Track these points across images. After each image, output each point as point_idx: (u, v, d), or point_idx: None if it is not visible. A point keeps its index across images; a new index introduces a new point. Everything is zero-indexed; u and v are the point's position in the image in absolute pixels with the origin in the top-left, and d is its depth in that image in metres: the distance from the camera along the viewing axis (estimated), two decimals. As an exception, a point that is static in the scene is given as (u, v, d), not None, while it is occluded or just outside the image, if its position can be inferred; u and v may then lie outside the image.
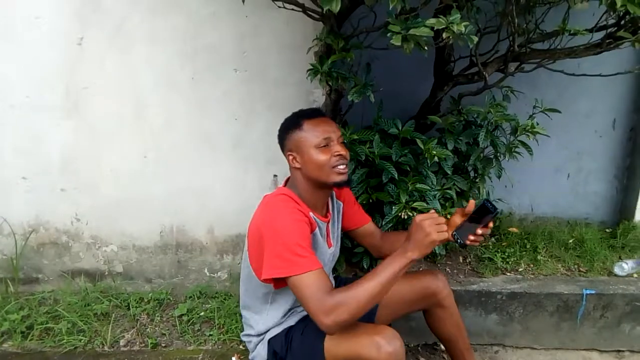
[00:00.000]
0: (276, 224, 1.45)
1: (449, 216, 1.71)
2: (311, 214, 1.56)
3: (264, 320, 1.64)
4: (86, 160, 2.11)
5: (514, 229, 2.64)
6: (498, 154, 2.24)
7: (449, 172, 2.12)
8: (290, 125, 1.56)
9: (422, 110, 2.39)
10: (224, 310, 2.14)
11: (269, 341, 1.62)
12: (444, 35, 1.34)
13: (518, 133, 2.16)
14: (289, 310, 1.64)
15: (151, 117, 2.10)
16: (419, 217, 1.40)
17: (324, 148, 1.51)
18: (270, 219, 1.47)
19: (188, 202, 2.23)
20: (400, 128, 2.09)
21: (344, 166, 1.53)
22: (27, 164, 2.10)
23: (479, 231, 1.47)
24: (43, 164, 2.10)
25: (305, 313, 1.63)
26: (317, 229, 1.56)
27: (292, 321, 1.63)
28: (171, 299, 2.26)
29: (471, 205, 1.51)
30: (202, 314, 2.15)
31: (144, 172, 2.15)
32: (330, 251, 1.66)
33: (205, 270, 2.32)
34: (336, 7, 1.24)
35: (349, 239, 2.05)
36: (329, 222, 1.67)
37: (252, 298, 1.66)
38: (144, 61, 2.04)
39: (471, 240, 1.50)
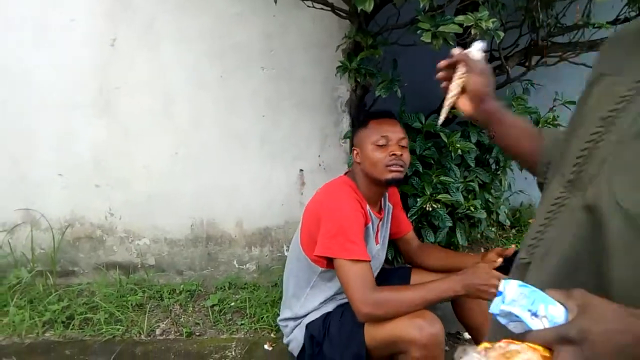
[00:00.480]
0: (335, 208, 1.55)
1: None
2: (368, 207, 1.64)
3: (302, 304, 1.72)
4: (118, 157, 2.18)
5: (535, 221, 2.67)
6: (520, 147, 2.28)
7: (472, 164, 2.16)
8: (359, 123, 1.69)
9: (442, 104, 2.43)
10: (254, 300, 2.21)
11: (307, 326, 1.69)
12: (473, 31, 1.39)
13: (540, 125, 2.20)
14: (329, 297, 1.71)
15: (181, 115, 2.17)
16: (490, 265, 1.51)
17: (382, 147, 1.60)
18: (330, 202, 1.58)
19: (217, 196, 2.30)
20: (423, 122, 2.14)
21: (397, 166, 1.60)
22: (63, 161, 2.19)
23: None
24: (78, 161, 2.18)
25: (343, 301, 1.70)
26: (370, 222, 1.64)
27: (330, 307, 1.70)
28: (202, 290, 2.34)
29: (511, 250, 1.58)
30: (232, 304, 2.23)
31: (174, 169, 2.22)
32: (376, 248, 1.73)
33: (234, 262, 2.39)
34: (369, 7, 1.30)
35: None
36: (381, 219, 1.75)
37: (295, 280, 1.74)
38: (174, 60, 2.11)
39: None
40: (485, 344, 0.68)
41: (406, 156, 1.64)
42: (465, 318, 1.90)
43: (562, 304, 0.66)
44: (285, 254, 2.39)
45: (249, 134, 2.22)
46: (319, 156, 2.26)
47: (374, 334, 1.52)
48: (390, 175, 1.61)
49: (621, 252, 0.65)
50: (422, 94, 2.27)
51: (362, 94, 2.01)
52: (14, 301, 2.11)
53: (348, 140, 2.21)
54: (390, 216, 1.83)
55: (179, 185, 2.24)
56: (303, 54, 2.11)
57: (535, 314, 0.66)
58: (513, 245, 1.62)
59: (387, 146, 1.60)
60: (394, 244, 1.97)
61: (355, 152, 1.67)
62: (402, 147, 1.63)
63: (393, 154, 1.59)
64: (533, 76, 2.30)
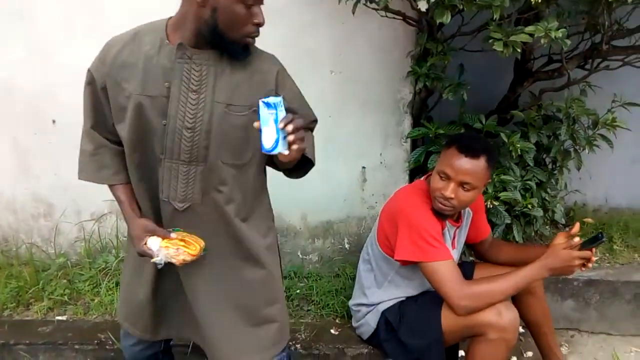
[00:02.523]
0: (412, 214, 1.67)
1: None
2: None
3: (379, 294, 1.86)
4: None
5: (589, 220, 2.72)
6: (578, 147, 2.34)
7: (530, 164, 2.24)
8: (446, 143, 1.74)
9: (500, 106, 2.52)
10: (318, 288, 2.37)
11: (383, 312, 1.83)
12: (542, 41, 1.49)
13: (598, 126, 2.26)
14: (407, 295, 1.85)
15: (255, 114, 2.34)
16: (564, 244, 1.61)
17: (442, 178, 1.65)
18: (408, 208, 1.69)
19: (285, 191, 2.42)
20: (483, 122, 2.24)
21: (443, 205, 1.66)
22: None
23: (593, 258, 1.63)
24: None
25: (416, 292, 1.83)
26: (445, 228, 1.75)
27: (404, 296, 1.84)
28: (269, 278, 2.51)
29: (576, 227, 1.68)
30: (298, 291, 2.39)
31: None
32: (452, 252, 1.83)
33: (298, 253, 2.55)
34: (447, 19, 1.42)
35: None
36: (458, 227, 1.85)
37: (372, 272, 1.88)
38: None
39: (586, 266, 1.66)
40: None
41: (462, 198, 1.63)
42: (525, 314, 2.00)
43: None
44: (346, 246, 2.54)
45: (315, 132, 2.35)
46: (380, 154, 2.39)
47: (452, 318, 1.65)
48: (436, 207, 1.69)
49: None
50: (481, 95, 2.37)
51: (426, 96, 2.13)
52: (104, 283, 2.34)
53: (409, 140, 2.33)
54: (469, 221, 1.93)
55: (250, 180, 2.41)
56: (369, 57, 2.24)
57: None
58: (577, 224, 1.70)
59: (448, 180, 1.64)
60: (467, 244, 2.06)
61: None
62: (464, 188, 1.63)
63: (442, 193, 1.64)
64: (591, 78, 2.35)
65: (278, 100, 1.14)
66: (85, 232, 2.52)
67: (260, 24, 1.25)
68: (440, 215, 1.73)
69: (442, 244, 1.66)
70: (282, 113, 1.15)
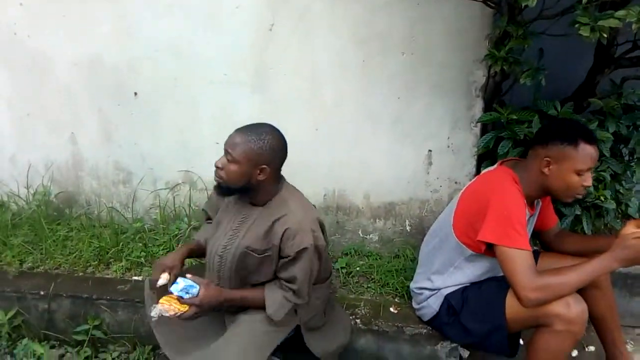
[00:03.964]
0: (507, 198, 1.66)
1: None
2: (525, 201, 1.73)
3: (444, 279, 1.88)
4: (268, 130, 2.44)
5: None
6: (659, 139, 2.24)
7: (606, 154, 2.17)
8: (566, 137, 1.66)
9: (577, 92, 2.43)
10: (378, 267, 2.41)
11: (446, 296, 1.85)
12: (634, 26, 1.43)
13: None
14: (471, 281, 1.87)
15: (324, 95, 2.38)
16: (634, 234, 1.57)
17: (581, 175, 1.66)
18: (502, 191, 1.68)
19: (349, 170, 2.50)
20: (559, 109, 2.17)
21: (579, 195, 1.70)
22: (220, 131, 2.45)
23: None
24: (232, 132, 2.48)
25: (480, 279, 1.85)
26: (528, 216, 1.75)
27: (468, 282, 1.85)
28: (330, 254, 2.57)
29: None
30: (358, 268, 2.45)
31: (314, 142, 2.45)
32: None
33: (359, 232, 2.60)
34: (533, 3, 1.39)
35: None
36: (532, 215, 1.85)
37: (439, 257, 1.90)
38: (322, 46, 2.30)
39: None
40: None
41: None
42: (590, 308, 1.94)
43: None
44: (407, 228, 2.56)
45: (384, 114, 2.39)
46: (448, 138, 2.37)
47: (517, 306, 1.65)
48: (571, 200, 1.71)
49: None
50: (557, 80, 2.29)
51: (500, 80, 2.09)
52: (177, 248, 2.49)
53: (479, 124, 2.30)
54: (538, 212, 1.92)
55: (317, 158, 2.46)
56: (443, 39, 2.21)
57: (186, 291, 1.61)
58: None
59: (585, 175, 1.65)
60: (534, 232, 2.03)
61: (546, 161, 1.69)
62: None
63: (586, 186, 1.66)
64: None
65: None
66: (160, 200, 2.68)
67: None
68: (529, 204, 1.74)
69: (526, 233, 1.65)
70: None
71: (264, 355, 1.68)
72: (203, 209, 2.04)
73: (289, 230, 1.64)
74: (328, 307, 1.92)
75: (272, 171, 1.69)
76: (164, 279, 1.70)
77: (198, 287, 1.62)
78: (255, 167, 1.64)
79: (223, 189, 1.69)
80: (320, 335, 1.84)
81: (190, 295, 1.61)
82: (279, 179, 1.77)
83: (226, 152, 1.65)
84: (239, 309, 1.76)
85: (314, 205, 1.85)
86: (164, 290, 1.66)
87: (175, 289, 1.61)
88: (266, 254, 1.69)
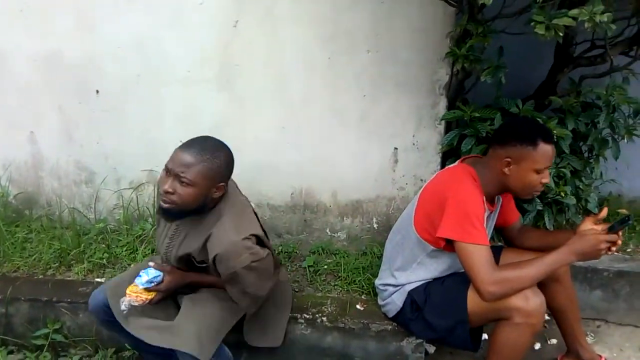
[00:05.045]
0: (464, 194, 1.68)
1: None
2: (484, 198, 1.75)
3: (406, 275, 1.89)
4: (234, 128, 2.40)
5: (624, 211, 2.68)
6: (616, 136, 2.30)
7: (566, 151, 2.22)
8: (525, 138, 1.67)
9: (538, 91, 2.49)
10: (346, 265, 2.41)
11: (409, 292, 1.87)
12: (586, 25, 1.47)
13: (640, 116, 2.21)
14: (435, 277, 1.88)
15: (291, 93, 2.37)
16: (591, 230, 1.63)
17: (539, 173, 1.68)
18: (460, 188, 1.70)
19: (316, 168, 2.50)
20: (520, 107, 2.22)
21: (537, 192, 1.74)
22: (185, 129, 2.43)
23: (619, 242, 1.64)
24: (197, 130, 2.41)
25: (443, 275, 1.86)
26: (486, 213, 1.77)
27: (431, 277, 1.87)
28: (298, 252, 2.57)
29: (604, 212, 1.68)
30: (325, 267, 2.44)
31: (281, 141, 2.43)
32: None
33: (327, 230, 2.60)
34: (489, 2, 1.41)
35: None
36: (492, 212, 1.87)
37: (401, 253, 1.91)
38: (288, 43, 2.30)
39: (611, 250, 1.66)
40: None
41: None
42: (551, 301, 1.99)
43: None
44: (375, 226, 2.57)
45: (350, 112, 2.39)
46: (413, 136, 2.39)
47: (478, 300, 1.67)
48: (530, 197, 1.75)
49: None
50: (519, 79, 2.34)
51: (463, 78, 2.12)
52: (140, 249, 2.44)
53: (443, 122, 2.32)
54: (499, 208, 1.95)
55: (284, 156, 2.45)
56: (407, 38, 2.23)
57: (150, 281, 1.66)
58: (605, 208, 1.70)
59: (543, 173, 1.68)
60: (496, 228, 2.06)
61: (506, 161, 1.70)
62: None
63: (544, 183, 1.70)
64: (635, 65, 2.29)
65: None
66: (123, 200, 2.63)
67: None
68: (489, 201, 1.77)
69: (484, 228, 1.68)
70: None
71: (221, 335, 1.72)
72: None
73: (218, 255, 1.58)
74: (276, 305, 1.97)
75: (226, 184, 1.65)
76: (124, 304, 1.67)
77: (162, 274, 1.68)
78: (213, 187, 1.58)
79: (173, 214, 1.59)
80: (257, 327, 1.90)
81: (155, 284, 1.67)
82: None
83: (176, 174, 1.53)
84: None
85: (254, 212, 1.79)
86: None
87: (139, 282, 1.65)
88: (205, 262, 1.69)
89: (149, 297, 1.66)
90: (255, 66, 2.34)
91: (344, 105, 2.37)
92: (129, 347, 2.16)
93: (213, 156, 1.56)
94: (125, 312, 1.65)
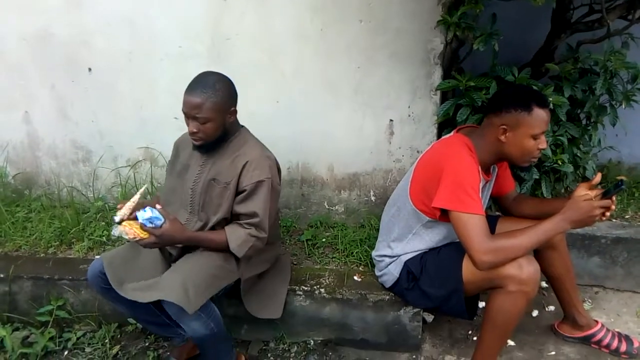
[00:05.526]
0: (460, 164, 1.68)
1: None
2: (479, 168, 1.74)
3: (402, 246, 1.90)
4: (227, 104, 2.40)
5: (623, 177, 2.65)
6: (614, 102, 2.27)
7: (563, 118, 2.20)
8: (519, 104, 1.66)
9: (535, 58, 2.45)
10: (343, 238, 2.43)
11: (406, 262, 1.88)
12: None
13: (638, 81, 2.18)
14: (430, 247, 1.89)
15: (283, 65, 2.35)
16: (584, 196, 1.62)
17: (536, 139, 1.67)
18: (455, 158, 1.69)
19: (312, 142, 2.49)
20: (516, 75, 2.19)
21: (535, 159, 1.72)
22: (178, 106, 2.44)
23: (613, 207, 1.64)
24: (191, 106, 2.44)
25: (438, 246, 1.87)
26: (481, 183, 1.76)
27: (426, 248, 1.88)
28: (296, 226, 2.59)
29: (598, 177, 1.66)
30: (324, 240, 2.46)
31: (275, 115, 2.42)
32: None
33: (325, 204, 2.61)
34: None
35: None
36: (487, 181, 1.87)
37: (397, 225, 1.92)
38: (279, 14, 2.26)
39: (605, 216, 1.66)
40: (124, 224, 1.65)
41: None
42: (547, 269, 2.01)
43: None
44: (372, 199, 2.57)
45: (344, 84, 2.37)
46: (408, 107, 2.37)
47: (472, 269, 1.68)
48: (527, 164, 1.73)
49: None
50: (515, 47, 2.31)
51: (457, 46, 2.09)
52: (139, 226, 2.46)
53: (439, 92, 2.30)
54: (494, 178, 1.94)
55: (279, 131, 2.42)
56: (399, 6, 2.18)
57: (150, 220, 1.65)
58: (599, 174, 1.68)
59: (539, 139, 1.67)
60: (492, 197, 2.05)
61: (502, 129, 1.69)
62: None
63: (541, 149, 1.68)
64: (633, 29, 2.24)
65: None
66: (121, 178, 2.64)
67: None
68: (485, 170, 1.77)
69: (479, 198, 1.67)
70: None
71: (209, 292, 1.74)
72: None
73: (248, 163, 1.77)
74: (275, 277, 2.03)
75: (236, 107, 1.82)
76: (116, 231, 1.70)
77: (163, 220, 1.68)
78: (226, 114, 1.77)
79: (206, 146, 1.79)
80: (256, 299, 1.96)
81: (153, 226, 1.67)
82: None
83: (193, 116, 1.72)
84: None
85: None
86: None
87: (141, 215, 1.66)
88: (227, 185, 1.80)
89: (142, 235, 1.65)
90: (247, 39, 2.32)
91: (338, 77, 2.34)
92: (132, 322, 2.21)
93: (215, 90, 1.71)
94: (114, 237, 1.78)
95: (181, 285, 1.66)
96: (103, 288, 1.83)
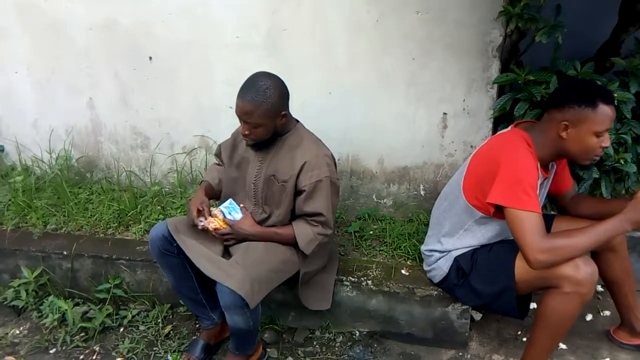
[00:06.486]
0: (518, 160, 1.63)
1: None
2: (538, 164, 1.69)
3: (453, 242, 1.88)
4: (281, 94, 2.43)
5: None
6: (684, 100, 2.15)
7: (628, 115, 2.10)
8: (583, 99, 1.61)
9: (600, 52, 2.35)
10: (391, 231, 2.42)
11: (456, 258, 1.86)
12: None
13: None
14: (482, 244, 1.86)
15: (338, 57, 2.35)
16: None
17: (599, 136, 1.61)
18: (514, 153, 1.65)
19: (363, 134, 2.49)
20: (579, 69, 2.10)
21: (597, 157, 1.67)
22: (234, 95, 2.49)
23: None
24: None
25: (489, 242, 1.84)
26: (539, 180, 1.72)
27: (478, 244, 1.85)
28: (344, 218, 2.60)
29: None
30: (371, 232, 2.46)
31: (328, 106, 2.43)
32: None
33: (373, 196, 2.60)
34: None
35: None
36: (546, 179, 1.82)
37: (449, 219, 1.89)
38: (335, 5, 2.26)
39: None
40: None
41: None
42: (604, 272, 1.94)
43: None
44: (422, 193, 2.55)
45: (398, 75, 2.35)
46: (463, 100, 2.33)
47: (526, 268, 1.64)
48: (588, 162, 1.67)
49: None
50: (577, 39, 2.21)
51: (517, 39, 2.03)
52: (193, 211, 2.54)
53: (496, 86, 2.24)
54: (553, 175, 1.88)
55: (331, 122, 2.44)
56: (459, -2, 2.15)
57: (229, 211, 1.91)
58: None
59: (602, 136, 1.61)
60: (549, 195, 2.00)
61: (564, 125, 1.64)
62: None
63: (604, 147, 1.62)
64: None
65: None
66: (177, 164, 2.73)
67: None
68: (544, 167, 1.72)
69: (537, 195, 1.62)
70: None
71: (270, 286, 1.81)
72: (218, 148, 2.16)
73: (306, 163, 1.81)
74: (326, 268, 2.08)
75: (287, 110, 1.87)
76: (200, 223, 1.88)
77: (241, 214, 1.89)
78: (276, 118, 1.81)
79: (258, 145, 1.88)
80: (309, 291, 2.02)
81: (230, 217, 1.88)
82: (289, 112, 1.91)
83: (244, 121, 1.78)
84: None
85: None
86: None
87: (224, 205, 1.90)
88: (285, 183, 1.85)
89: (221, 225, 1.86)
90: (303, 30, 2.34)
91: (392, 69, 2.33)
92: (183, 303, 2.28)
93: (265, 97, 1.74)
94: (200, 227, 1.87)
95: (248, 278, 1.70)
96: (161, 252, 1.90)
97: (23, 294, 2.34)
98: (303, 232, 1.84)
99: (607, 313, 2.28)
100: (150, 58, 2.55)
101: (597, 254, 1.92)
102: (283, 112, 1.81)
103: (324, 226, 1.84)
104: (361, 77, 2.37)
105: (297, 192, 1.85)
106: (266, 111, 1.75)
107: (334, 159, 1.93)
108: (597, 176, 2.20)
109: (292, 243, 1.86)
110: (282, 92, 1.81)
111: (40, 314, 2.33)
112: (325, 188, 1.81)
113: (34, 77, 2.73)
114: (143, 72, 2.58)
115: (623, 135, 2.14)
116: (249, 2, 2.33)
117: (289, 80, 2.28)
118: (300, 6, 2.29)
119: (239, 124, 1.85)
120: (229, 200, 1.91)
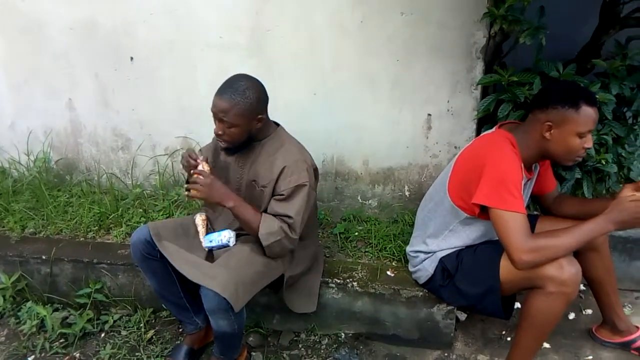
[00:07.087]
0: (502, 161, 1.64)
1: None
2: (522, 165, 1.70)
3: (438, 243, 1.88)
4: (265, 95, 2.41)
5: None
6: (664, 101, 2.19)
7: (608, 116, 2.13)
8: (567, 100, 1.62)
9: (581, 54, 2.38)
10: (377, 232, 2.41)
11: (441, 259, 1.86)
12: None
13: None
14: (467, 245, 1.86)
15: (322, 57, 2.34)
16: (631, 197, 1.56)
17: (582, 137, 1.62)
18: (498, 154, 1.65)
19: (347, 135, 2.48)
20: (561, 71, 2.13)
21: (579, 158, 1.68)
22: (217, 96, 2.48)
23: None
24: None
25: (474, 243, 1.84)
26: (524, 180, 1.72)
27: (463, 245, 1.85)
28: (329, 219, 2.59)
29: None
30: (356, 233, 2.45)
31: (312, 108, 2.42)
32: None
33: (358, 198, 2.59)
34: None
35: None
36: (529, 179, 1.83)
37: (434, 220, 1.89)
38: (319, 6, 2.25)
39: None
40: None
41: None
42: (587, 271, 1.95)
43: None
44: (406, 194, 2.55)
45: (382, 76, 2.35)
46: (448, 102, 2.33)
47: (510, 269, 1.65)
48: (571, 163, 1.68)
49: None
50: (561, 42, 2.24)
51: (501, 40, 2.04)
52: (176, 214, 2.50)
53: (480, 87, 2.26)
54: (536, 174, 1.89)
55: (315, 123, 2.42)
56: (442, -1, 2.15)
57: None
58: None
59: (585, 137, 1.62)
60: (532, 196, 2.01)
61: (547, 125, 1.65)
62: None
63: (587, 148, 1.63)
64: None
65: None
66: (159, 166, 2.69)
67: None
68: (527, 168, 1.73)
69: (521, 196, 1.63)
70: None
71: (254, 290, 1.79)
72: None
73: (286, 168, 1.78)
74: (311, 270, 2.06)
75: (265, 114, 1.82)
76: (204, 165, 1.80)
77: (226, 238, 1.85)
78: (252, 121, 1.77)
79: (231, 149, 1.83)
80: (294, 294, 2.00)
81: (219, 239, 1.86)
82: (268, 116, 1.87)
83: (219, 119, 1.75)
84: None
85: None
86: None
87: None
88: (264, 187, 1.83)
89: (207, 168, 1.78)
90: (287, 31, 2.32)
91: (376, 70, 2.32)
92: (165, 308, 2.25)
93: (244, 97, 1.72)
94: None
95: (233, 281, 1.67)
96: (143, 256, 1.86)
97: (0, 300, 2.28)
98: (268, 222, 1.77)
99: (589, 311, 2.30)
100: (132, 58, 2.51)
101: (579, 254, 1.93)
102: (260, 116, 1.78)
103: (290, 228, 1.78)
104: (346, 78, 2.36)
105: (274, 196, 1.82)
106: (243, 111, 1.72)
107: (316, 169, 1.91)
108: (579, 176, 2.23)
109: (254, 228, 1.77)
110: (260, 96, 1.78)
111: (18, 320, 2.27)
112: (301, 194, 1.78)
113: (11, 78, 2.66)
114: (124, 72, 2.54)
115: (604, 136, 2.17)
116: (232, 2, 2.31)
117: (273, 81, 2.27)
118: (284, 7, 2.28)
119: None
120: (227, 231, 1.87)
